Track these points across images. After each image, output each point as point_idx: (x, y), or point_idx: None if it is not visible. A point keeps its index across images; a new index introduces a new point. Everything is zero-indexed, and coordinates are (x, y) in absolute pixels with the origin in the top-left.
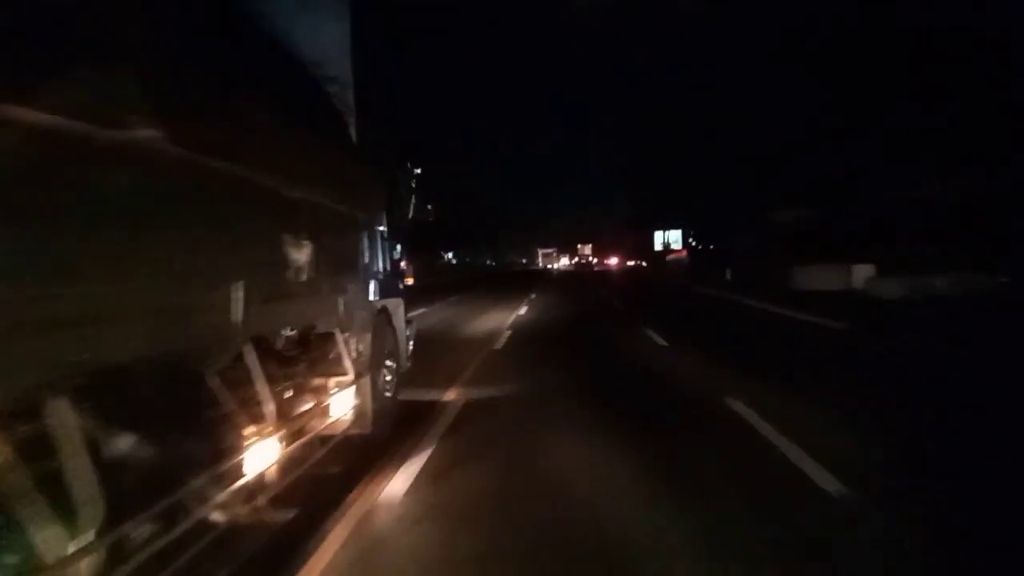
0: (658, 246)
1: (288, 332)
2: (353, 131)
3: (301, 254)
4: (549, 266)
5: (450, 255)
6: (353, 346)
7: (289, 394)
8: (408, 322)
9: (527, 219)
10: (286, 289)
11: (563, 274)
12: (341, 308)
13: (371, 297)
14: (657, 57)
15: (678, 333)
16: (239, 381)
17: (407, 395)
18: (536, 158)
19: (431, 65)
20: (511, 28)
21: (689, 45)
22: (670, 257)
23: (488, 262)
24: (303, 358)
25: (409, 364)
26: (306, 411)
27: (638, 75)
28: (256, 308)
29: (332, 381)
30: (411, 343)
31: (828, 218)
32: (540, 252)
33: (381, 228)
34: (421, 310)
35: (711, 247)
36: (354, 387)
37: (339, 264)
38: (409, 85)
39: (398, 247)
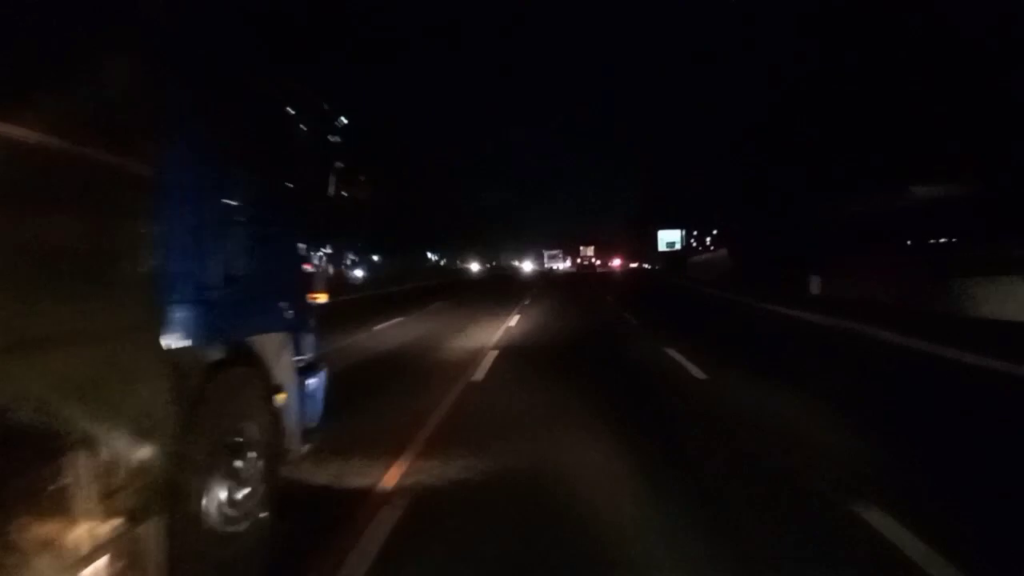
0: (662, 246)
1: None
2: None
3: None
4: (554, 267)
5: (435, 256)
6: (101, 459)
7: None
8: (310, 368)
9: (517, 218)
10: None
11: (563, 278)
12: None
13: (179, 342)
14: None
15: None
16: None
17: None
18: (536, 159)
19: (434, 67)
20: (512, 29)
21: None
22: (699, 258)
23: (467, 265)
24: None
25: (308, 448)
26: None
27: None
28: None
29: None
30: (320, 403)
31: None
32: (545, 254)
33: (231, 203)
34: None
35: (785, 242)
36: (106, 558)
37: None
38: (412, 86)
39: (300, 245)
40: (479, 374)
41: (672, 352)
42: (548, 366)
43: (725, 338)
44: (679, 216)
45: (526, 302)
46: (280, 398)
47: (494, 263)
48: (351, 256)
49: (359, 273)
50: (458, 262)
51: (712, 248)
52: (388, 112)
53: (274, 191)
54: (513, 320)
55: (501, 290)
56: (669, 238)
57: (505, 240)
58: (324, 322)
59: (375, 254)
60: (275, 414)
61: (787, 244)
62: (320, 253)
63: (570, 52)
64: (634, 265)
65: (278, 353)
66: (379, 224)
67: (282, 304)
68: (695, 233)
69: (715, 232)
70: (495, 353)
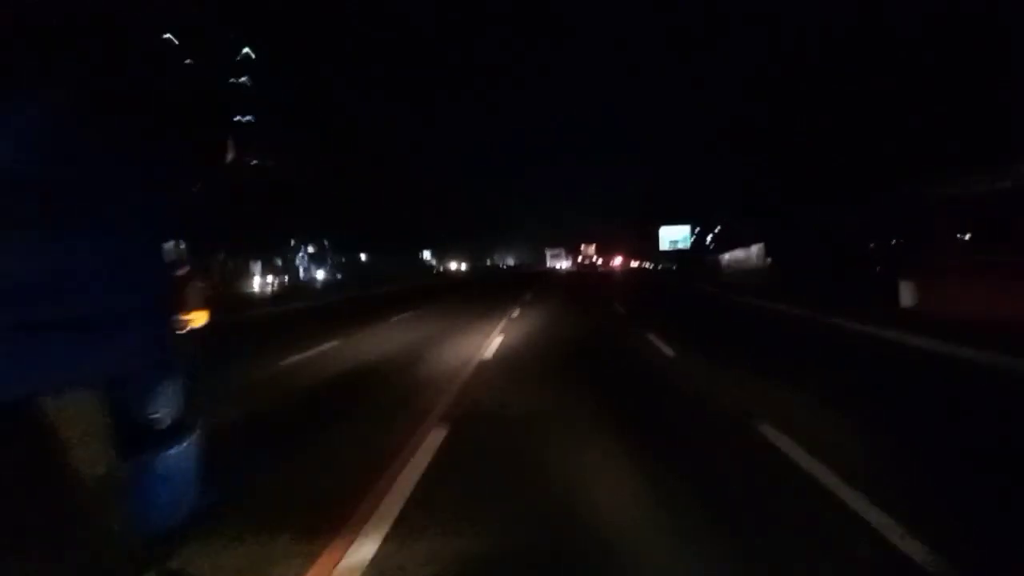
0: (664, 244)
1: None
2: None
3: None
4: (557, 265)
5: (429, 255)
6: None
7: None
8: (170, 432)
9: (518, 217)
10: None
11: (564, 279)
12: None
13: None
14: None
15: None
16: None
17: None
18: (538, 158)
19: (433, 67)
20: (512, 27)
21: None
22: (724, 257)
23: (459, 264)
24: None
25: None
26: None
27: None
28: None
29: None
30: (188, 486)
31: None
32: (548, 252)
33: None
34: None
35: (847, 237)
36: None
37: None
38: (411, 87)
39: (162, 240)
40: (379, 524)
41: (776, 437)
42: (538, 475)
43: (843, 394)
44: (680, 214)
45: (514, 314)
46: (100, 492)
47: (489, 262)
48: (331, 255)
49: (320, 275)
50: (448, 258)
51: (713, 248)
52: (388, 112)
53: (85, 150)
54: (493, 345)
55: (490, 293)
56: (673, 235)
57: (505, 239)
58: (226, 347)
59: (363, 253)
60: (88, 519)
61: (851, 240)
62: (301, 253)
63: (571, 50)
64: (635, 264)
65: (95, 418)
66: (375, 222)
67: (112, 336)
68: (697, 230)
69: (718, 229)
70: (440, 436)
